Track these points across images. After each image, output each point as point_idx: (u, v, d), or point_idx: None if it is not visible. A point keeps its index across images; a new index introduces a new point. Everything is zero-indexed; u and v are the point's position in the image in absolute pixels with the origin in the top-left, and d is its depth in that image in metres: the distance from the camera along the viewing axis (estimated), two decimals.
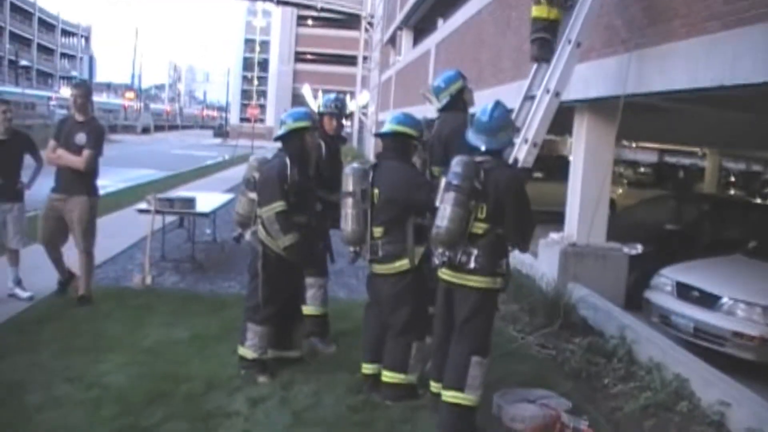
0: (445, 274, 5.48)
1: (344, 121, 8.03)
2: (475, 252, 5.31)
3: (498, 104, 5.59)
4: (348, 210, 6.01)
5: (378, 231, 5.96)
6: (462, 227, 5.23)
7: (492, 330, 5.67)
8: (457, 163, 5.29)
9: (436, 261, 5.46)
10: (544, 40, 7.37)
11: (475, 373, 5.38)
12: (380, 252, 5.95)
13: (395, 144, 6.08)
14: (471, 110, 6.61)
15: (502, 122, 5.54)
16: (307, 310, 7.22)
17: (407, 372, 5.99)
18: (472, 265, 5.31)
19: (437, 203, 5.37)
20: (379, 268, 6.04)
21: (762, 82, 6.02)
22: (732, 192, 31.66)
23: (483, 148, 5.40)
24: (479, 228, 5.32)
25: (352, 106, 49.19)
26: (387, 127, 6.10)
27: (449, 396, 5.42)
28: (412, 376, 6.02)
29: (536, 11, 7.24)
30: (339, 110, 7.58)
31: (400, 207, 5.89)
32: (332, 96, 7.77)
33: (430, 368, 5.97)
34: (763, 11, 5.97)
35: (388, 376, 6.02)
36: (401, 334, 5.96)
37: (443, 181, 5.38)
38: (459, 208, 5.18)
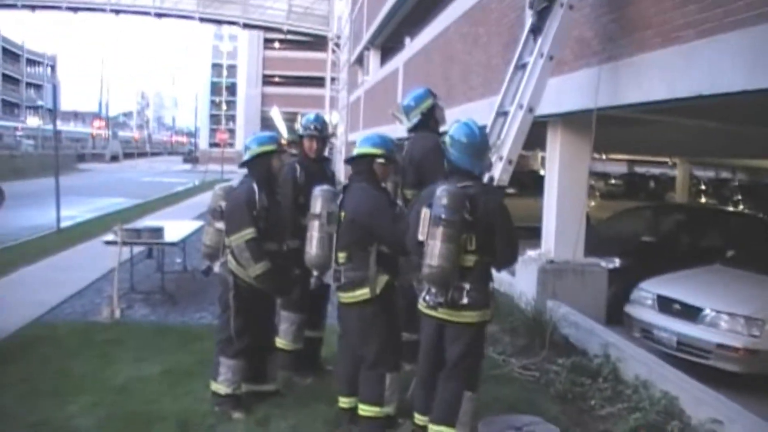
0: (431, 309, 5.20)
1: (328, 142, 7.66)
2: (467, 286, 5.06)
3: (475, 123, 5.35)
4: (313, 233, 5.79)
5: (342, 256, 5.70)
6: (455, 263, 4.95)
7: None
8: (443, 194, 4.94)
9: (430, 302, 5.12)
10: None
11: (467, 408, 5.19)
12: (342, 278, 5.69)
13: (360, 166, 5.81)
14: (442, 129, 6.44)
15: (488, 145, 5.39)
16: (280, 342, 7.00)
17: (383, 404, 5.70)
18: (465, 300, 5.06)
19: (420, 237, 5.05)
20: (343, 297, 5.76)
21: (741, 91, 5.90)
22: (703, 200, 31.87)
23: (477, 173, 5.22)
24: (470, 260, 5.07)
25: (335, 119, 49.02)
26: (354, 151, 5.87)
27: (438, 431, 5.21)
28: (389, 407, 5.72)
29: None
30: (319, 131, 7.16)
31: (361, 231, 5.60)
32: (312, 116, 7.33)
33: (413, 399, 5.75)
34: (740, 17, 5.85)
35: (364, 409, 5.75)
36: (373, 367, 5.68)
37: (425, 213, 5.04)
38: (452, 243, 4.88)
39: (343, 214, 5.70)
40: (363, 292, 5.58)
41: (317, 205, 5.79)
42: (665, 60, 6.98)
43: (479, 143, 5.24)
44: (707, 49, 6.31)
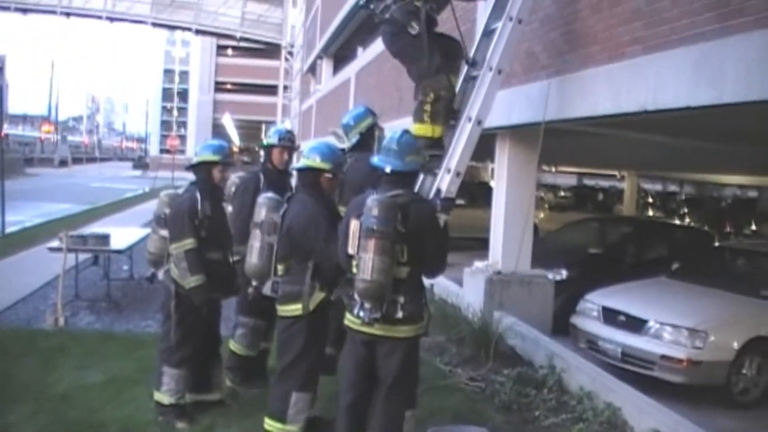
0: (365, 326, 4.91)
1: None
2: (401, 299, 4.83)
3: (405, 131, 5.25)
4: (254, 242, 5.70)
5: (280, 268, 5.59)
6: (390, 276, 4.73)
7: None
8: (374, 205, 4.72)
9: (365, 318, 4.83)
10: (436, 156, 7.03)
11: (410, 427, 5.02)
12: (279, 291, 5.55)
13: (306, 178, 5.65)
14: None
15: (411, 147, 5.13)
16: (233, 346, 6.98)
17: (285, 421, 5.47)
18: (399, 314, 4.83)
19: (350, 251, 4.89)
20: (279, 309, 5.60)
21: (685, 107, 5.99)
22: (650, 212, 32.36)
23: (388, 170, 4.98)
24: (403, 272, 4.84)
25: (287, 128, 48.82)
26: (301, 161, 5.68)
27: None
28: (293, 426, 5.47)
29: (419, 130, 6.67)
30: (292, 143, 7.15)
31: (297, 244, 5.45)
32: (282, 128, 7.33)
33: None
34: (685, 35, 5.96)
35: (268, 423, 5.56)
36: (279, 381, 5.55)
37: (355, 225, 4.86)
38: (386, 256, 4.65)
39: (283, 225, 5.57)
40: (296, 307, 5.40)
41: (260, 214, 5.73)
42: (611, 75, 7.07)
43: (396, 147, 5.03)
44: (652, 65, 6.40)
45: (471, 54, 7.30)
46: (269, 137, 7.16)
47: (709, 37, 5.67)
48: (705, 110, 5.94)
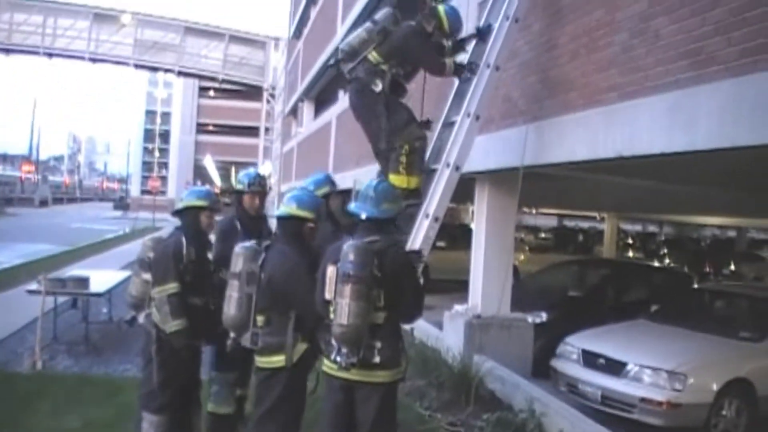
0: (342, 371, 4.91)
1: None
2: (378, 345, 4.87)
3: (383, 179, 5.38)
4: (232, 293, 5.49)
5: (260, 319, 5.44)
6: (367, 321, 4.75)
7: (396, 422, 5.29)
8: (350, 250, 4.77)
9: (342, 363, 4.83)
10: (414, 205, 7.08)
11: None
12: (260, 342, 5.41)
13: (287, 227, 5.53)
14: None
15: (388, 195, 5.18)
16: (210, 408, 6.75)
17: None
18: (376, 359, 4.85)
19: (327, 296, 4.89)
20: (258, 360, 5.49)
21: (660, 153, 6.07)
22: (630, 253, 32.52)
23: (363, 216, 5.04)
24: (379, 317, 4.86)
25: (267, 170, 48.64)
26: (281, 209, 5.55)
27: None
28: None
29: (394, 181, 6.69)
30: (263, 187, 6.95)
31: (278, 295, 5.33)
32: (252, 172, 7.10)
33: None
34: (660, 83, 6.06)
35: None
36: (256, 429, 5.44)
37: (331, 271, 4.87)
38: (363, 301, 4.69)
39: (262, 275, 5.43)
40: (279, 359, 5.28)
41: (238, 264, 5.54)
42: (588, 121, 7.16)
43: (372, 194, 5.09)
44: (628, 112, 6.50)
45: (450, 99, 7.42)
46: (238, 182, 6.97)
47: (683, 84, 5.78)
48: (680, 156, 6.02)
